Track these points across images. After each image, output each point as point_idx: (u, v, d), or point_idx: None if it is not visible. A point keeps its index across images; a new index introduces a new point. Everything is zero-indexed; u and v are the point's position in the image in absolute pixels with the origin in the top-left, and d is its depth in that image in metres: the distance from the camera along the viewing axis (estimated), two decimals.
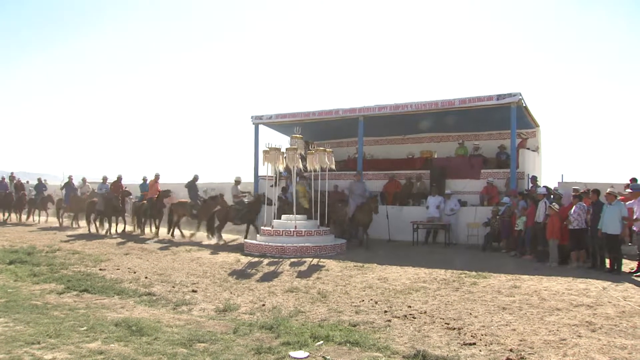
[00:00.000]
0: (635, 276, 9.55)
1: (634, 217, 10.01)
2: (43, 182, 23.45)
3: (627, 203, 10.36)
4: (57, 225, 19.97)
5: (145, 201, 17.62)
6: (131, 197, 18.60)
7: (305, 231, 12.92)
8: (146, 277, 9.61)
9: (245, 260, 11.61)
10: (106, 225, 17.55)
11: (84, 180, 22.01)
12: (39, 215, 22.31)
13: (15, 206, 22.47)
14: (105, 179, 18.98)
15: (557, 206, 10.96)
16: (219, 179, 21.57)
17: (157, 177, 18.02)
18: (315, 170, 14.07)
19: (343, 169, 17.79)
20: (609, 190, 10.29)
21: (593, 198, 10.50)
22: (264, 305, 7.56)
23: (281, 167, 13.88)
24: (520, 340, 5.59)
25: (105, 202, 17.44)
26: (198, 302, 7.81)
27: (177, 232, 16.56)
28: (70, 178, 21.33)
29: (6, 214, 22.73)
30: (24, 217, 22.30)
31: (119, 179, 19.04)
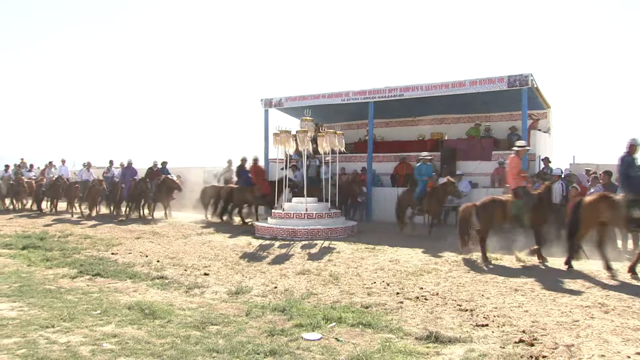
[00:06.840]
0: None
1: None
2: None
3: None
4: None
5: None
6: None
7: (316, 214, 12.92)
8: (158, 261, 9.66)
9: (256, 243, 11.65)
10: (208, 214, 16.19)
11: (229, 162, 17.48)
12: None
13: (156, 199, 17.30)
14: (230, 162, 16.60)
15: (577, 188, 10.88)
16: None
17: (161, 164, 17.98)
18: (325, 153, 14.05)
19: (353, 152, 17.77)
20: None
21: (605, 180, 10.41)
22: (276, 287, 7.58)
23: (291, 150, 13.85)
24: (533, 322, 5.56)
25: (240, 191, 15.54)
26: (210, 285, 7.84)
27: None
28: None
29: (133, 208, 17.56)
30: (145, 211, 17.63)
31: (157, 166, 17.55)
